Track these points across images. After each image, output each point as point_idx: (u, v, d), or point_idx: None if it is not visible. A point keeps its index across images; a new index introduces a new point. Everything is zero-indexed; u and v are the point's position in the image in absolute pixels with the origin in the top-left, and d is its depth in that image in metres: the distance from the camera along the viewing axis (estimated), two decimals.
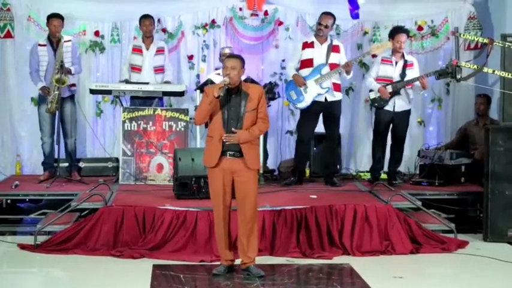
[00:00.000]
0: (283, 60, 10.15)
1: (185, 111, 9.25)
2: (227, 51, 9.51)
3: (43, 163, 9.39)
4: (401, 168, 9.68)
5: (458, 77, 7.45)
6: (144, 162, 9.11)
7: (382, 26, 10.33)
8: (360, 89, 10.33)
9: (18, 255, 7.06)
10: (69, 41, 9.19)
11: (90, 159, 10.02)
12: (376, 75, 9.09)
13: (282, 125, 10.26)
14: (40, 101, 9.24)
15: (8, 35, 9.98)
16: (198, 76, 10.33)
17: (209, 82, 9.08)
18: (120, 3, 10.17)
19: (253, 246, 6.31)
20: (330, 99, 8.92)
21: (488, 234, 7.77)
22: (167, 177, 9.01)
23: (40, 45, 9.17)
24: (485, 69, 7.50)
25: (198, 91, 9.47)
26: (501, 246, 7.58)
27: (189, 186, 7.92)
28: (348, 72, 8.91)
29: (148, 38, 9.63)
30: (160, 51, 9.67)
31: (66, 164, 9.40)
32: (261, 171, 9.17)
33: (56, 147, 9.19)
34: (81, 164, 9.79)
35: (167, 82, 9.60)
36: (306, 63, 8.94)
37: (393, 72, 9.01)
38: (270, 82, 9.72)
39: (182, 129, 9.19)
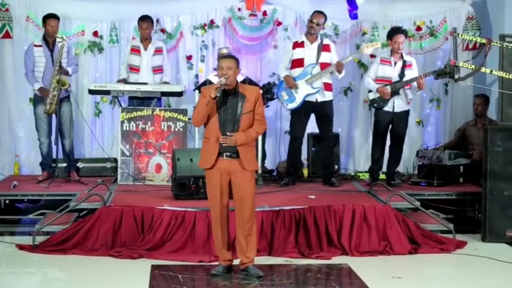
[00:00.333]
0: None
1: (184, 112, 9.25)
2: (225, 51, 9.51)
3: (41, 163, 9.39)
4: (400, 168, 9.68)
5: (456, 77, 7.46)
6: (142, 163, 9.10)
7: (380, 27, 10.33)
8: (359, 90, 10.33)
9: (16, 255, 7.05)
10: (64, 41, 9.16)
11: (88, 160, 10.02)
12: (375, 76, 9.09)
13: (280, 126, 10.26)
14: (36, 101, 9.23)
15: (7, 36, 9.98)
16: (196, 76, 10.33)
17: (208, 82, 9.07)
18: (119, 4, 10.17)
19: (252, 247, 6.31)
20: (320, 99, 8.93)
21: (486, 234, 7.77)
22: (166, 177, 9.01)
23: (36, 45, 9.16)
24: (483, 69, 7.51)
25: (196, 91, 9.47)
26: (499, 247, 7.58)
27: (188, 186, 7.93)
28: (339, 72, 8.90)
29: (146, 39, 9.63)
30: (158, 51, 9.66)
31: (65, 164, 9.40)
32: (260, 172, 9.18)
33: (54, 147, 9.21)
34: (80, 165, 9.79)
35: (166, 82, 9.60)
36: (297, 63, 8.95)
37: (392, 72, 9.01)
38: (269, 82, 9.73)
39: (181, 129, 9.19)
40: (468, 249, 7.41)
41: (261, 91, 8.89)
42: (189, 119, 9.22)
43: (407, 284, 6.36)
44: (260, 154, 9.29)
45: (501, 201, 7.74)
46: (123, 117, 9.14)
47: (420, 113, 10.51)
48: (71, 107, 9.36)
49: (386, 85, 8.97)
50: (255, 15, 10.31)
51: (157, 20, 10.21)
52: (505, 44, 7.65)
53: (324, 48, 8.98)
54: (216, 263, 6.53)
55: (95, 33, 10.21)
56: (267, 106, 9.50)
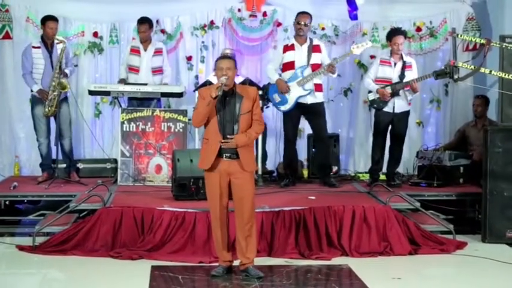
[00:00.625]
0: None
1: (184, 112, 9.26)
2: (228, 52, 9.51)
3: (41, 164, 9.39)
4: (400, 169, 9.68)
5: (455, 77, 7.46)
6: (142, 163, 9.11)
7: (380, 27, 10.33)
8: (359, 90, 10.33)
9: (16, 256, 7.05)
10: (62, 42, 9.14)
11: (88, 160, 10.02)
12: (375, 77, 9.09)
13: (280, 126, 10.24)
14: (34, 102, 9.22)
15: (7, 36, 9.98)
16: (196, 77, 10.34)
17: (208, 83, 9.08)
18: (119, 5, 10.17)
19: (252, 247, 6.31)
20: (311, 101, 8.92)
21: (486, 235, 7.76)
22: (166, 178, 9.01)
23: (34, 47, 9.15)
24: (482, 70, 7.50)
25: (196, 92, 9.46)
26: (499, 247, 7.57)
27: (188, 187, 7.93)
28: (332, 73, 8.89)
29: (145, 41, 9.63)
30: (158, 52, 9.66)
31: (64, 165, 9.40)
32: (260, 173, 9.18)
33: (53, 148, 9.22)
34: (80, 165, 9.80)
35: (165, 83, 9.60)
36: (288, 66, 8.93)
37: (392, 73, 9.01)
38: (268, 83, 9.71)
39: (181, 130, 9.19)
40: (468, 250, 7.41)
41: (260, 92, 8.95)
42: (189, 119, 9.22)
43: (407, 284, 6.36)
44: (260, 155, 9.29)
45: (501, 202, 7.74)
46: (123, 118, 9.15)
47: (420, 114, 10.52)
48: (69, 107, 9.37)
49: (386, 86, 8.97)
50: (255, 16, 10.31)
51: (157, 21, 10.22)
52: (504, 44, 7.65)
53: (314, 49, 8.96)
54: (216, 264, 6.53)
55: (95, 34, 10.22)
56: (267, 107, 9.50)
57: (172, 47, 10.27)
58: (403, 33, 9.16)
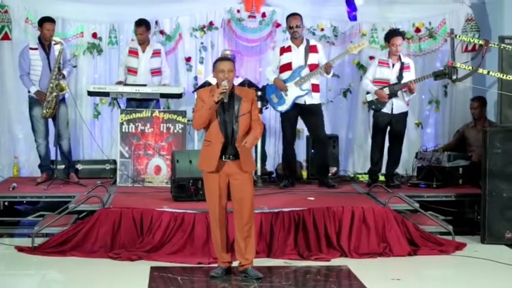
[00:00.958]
0: None
1: (183, 114, 9.25)
2: (228, 53, 9.52)
3: (40, 165, 9.39)
4: (399, 170, 9.67)
5: (454, 77, 7.46)
6: (141, 164, 9.10)
7: (379, 28, 10.34)
8: (358, 91, 10.34)
9: (15, 257, 7.05)
10: (60, 43, 9.13)
11: (87, 161, 10.02)
12: (373, 78, 9.10)
13: (280, 127, 10.24)
14: (32, 103, 9.21)
15: (6, 37, 9.99)
16: (195, 78, 10.34)
17: (207, 84, 9.08)
18: (118, 5, 10.17)
19: (251, 248, 6.31)
20: (308, 101, 8.92)
21: (485, 236, 7.76)
22: (165, 179, 9.01)
23: (31, 48, 9.14)
24: (480, 70, 7.51)
25: (195, 93, 9.46)
26: (499, 248, 7.57)
27: (187, 188, 7.92)
28: (327, 73, 8.90)
29: (143, 42, 9.63)
30: (156, 53, 9.66)
31: (63, 166, 9.40)
32: (259, 173, 9.18)
33: (52, 149, 9.21)
34: (79, 166, 9.80)
35: (164, 85, 9.59)
36: (285, 67, 8.93)
37: (390, 74, 9.02)
38: (267, 84, 9.70)
39: (180, 131, 9.19)
40: (467, 251, 7.40)
41: (259, 93, 8.96)
42: (188, 120, 9.22)
43: (406, 285, 6.36)
44: (259, 156, 9.28)
45: (500, 202, 7.74)
46: (122, 119, 9.14)
47: (419, 115, 10.52)
48: (67, 108, 9.37)
49: (384, 87, 8.98)
50: (254, 17, 10.32)
51: (156, 22, 10.23)
52: (503, 45, 7.65)
53: (311, 49, 8.96)
54: (215, 265, 6.53)
55: (94, 35, 10.22)
56: (266, 108, 9.50)
57: (171, 48, 10.28)
58: (402, 34, 9.16)
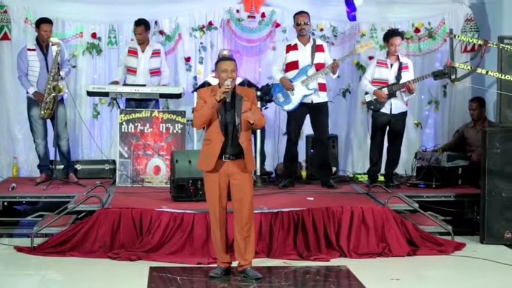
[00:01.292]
0: None
1: (182, 114, 9.25)
2: (226, 53, 9.52)
3: (39, 166, 9.40)
4: (399, 170, 9.67)
5: (452, 77, 7.47)
6: (141, 165, 9.10)
7: (379, 28, 10.33)
8: (357, 91, 10.33)
9: (15, 257, 7.05)
10: (58, 44, 9.13)
11: (87, 161, 10.02)
12: (372, 78, 9.10)
13: (279, 127, 10.25)
14: (30, 104, 9.22)
15: (5, 37, 9.98)
16: (195, 78, 10.34)
17: (206, 84, 9.08)
18: (117, 6, 10.17)
19: (250, 249, 6.32)
20: (315, 100, 8.93)
21: (485, 236, 7.76)
22: (164, 179, 9.00)
23: (29, 49, 9.14)
24: (479, 70, 7.52)
25: (195, 93, 9.46)
26: (498, 248, 7.57)
27: (186, 188, 7.92)
28: (334, 72, 8.90)
29: (142, 42, 9.63)
30: (156, 53, 9.66)
31: (62, 166, 9.40)
32: (258, 174, 9.18)
33: (51, 149, 9.21)
34: (78, 166, 9.79)
35: (164, 84, 9.59)
36: (291, 65, 8.94)
37: (388, 74, 9.02)
38: (267, 84, 9.71)
39: (179, 131, 9.19)
40: (467, 251, 7.41)
41: (258, 93, 8.96)
42: (188, 120, 9.23)
43: (405, 285, 6.36)
44: (259, 156, 9.28)
45: (500, 203, 7.74)
46: (121, 119, 9.14)
47: (419, 115, 10.52)
48: (65, 108, 9.39)
49: (383, 87, 8.98)
50: (254, 17, 10.32)
51: (156, 22, 10.22)
52: (502, 45, 7.66)
53: (317, 48, 8.97)
54: (215, 265, 6.53)
55: (93, 35, 10.21)
56: (266, 108, 9.50)
57: (170, 48, 10.27)
58: (401, 35, 9.15)
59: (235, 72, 6.20)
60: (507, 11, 9.69)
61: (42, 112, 9.02)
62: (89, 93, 9.52)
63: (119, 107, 9.50)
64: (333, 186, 9.01)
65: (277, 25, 10.36)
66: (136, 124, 9.13)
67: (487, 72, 7.58)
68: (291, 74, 8.94)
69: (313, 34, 10.05)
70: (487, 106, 9.68)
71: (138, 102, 9.53)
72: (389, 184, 9.06)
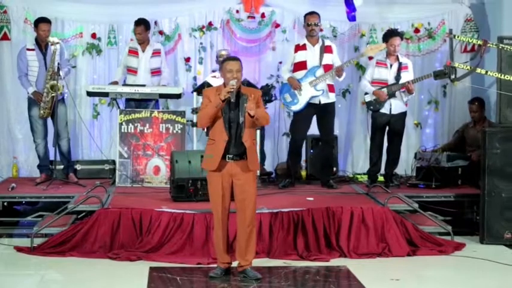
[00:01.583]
0: (280, 63, 10.13)
1: (182, 114, 9.25)
2: (224, 53, 9.53)
3: (39, 166, 9.40)
4: (398, 170, 9.68)
5: (452, 77, 7.49)
6: (140, 165, 9.10)
7: (378, 28, 10.33)
8: (357, 91, 10.33)
9: (14, 257, 7.05)
10: (57, 43, 9.14)
11: (86, 162, 10.02)
12: (371, 78, 9.11)
13: (278, 127, 10.26)
14: (30, 104, 9.23)
15: (5, 38, 9.99)
16: (195, 78, 10.34)
17: (206, 84, 9.09)
18: (117, 6, 10.18)
19: (252, 249, 6.32)
20: (324, 101, 8.93)
21: (485, 236, 7.76)
22: (164, 179, 9.00)
23: (28, 49, 9.15)
24: (478, 70, 7.52)
25: (195, 93, 9.47)
26: (498, 249, 7.57)
27: (186, 188, 7.93)
28: (339, 76, 8.90)
29: (142, 42, 9.63)
30: (156, 53, 9.67)
31: (62, 166, 9.40)
32: (258, 173, 9.17)
33: (51, 149, 9.21)
34: (78, 166, 9.79)
35: (163, 85, 9.60)
36: (300, 65, 8.94)
37: (388, 74, 9.02)
38: (267, 84, 9.73)
39: (179, 131, 9.19)
40: (466, 251, 7.41)
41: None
42: (188, 121, 9.23)
43: (405, 286, 6.36)
44: (259, 156, 9.27)
45: (499, 203, 7.74)
46: (121, 119, 9.14)
47: (418, 115, 10.52)
48: (66, 108, 9.38)
49: (383, 88, 8.98)
50: (253, 17, 10.32)
51: (156, 22, 10.23)
52: (501, 45, 7.66)
53: (326, 49, 8.98)
54: (214, 265, 6.53)
55: (93, 35, 10.22)
56: (265, 108, 9.48)
57: (170, 48, 10.28)
58: (400, 35, 9.15)
59: (240, 72, 6.19)
60: (507, 11, 9.70)
61: (42, 111, 9.02)
62: (89, 94, 9.52)
63: (119, 107, 9.50)
64: (333, 186, 9.02)
65: (277, 25, 10.36)
66: (136, 124, 9.13)
67: (487, 72, 7.59)
68: (299, 74, 8.94)
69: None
70: (487, 106, 9.67)
71: (137, 103, 9.53)
72: (389, 184, 9.07)
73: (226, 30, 10.34)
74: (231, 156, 6.17)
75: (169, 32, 10.31)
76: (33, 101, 9.14)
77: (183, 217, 7.21)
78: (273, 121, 10.20)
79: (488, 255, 7.16)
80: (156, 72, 9.65)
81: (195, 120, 9.20)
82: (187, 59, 10.35)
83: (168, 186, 8.41)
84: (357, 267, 6.74)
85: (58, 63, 8.96)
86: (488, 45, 7.71)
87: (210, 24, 10.32)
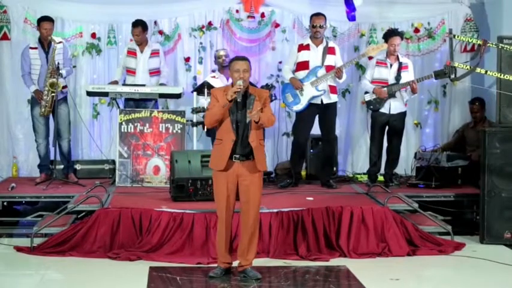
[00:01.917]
0: (280, 62, 10.15)
1: (182, 114, 9.25)
2: (222, 53, 9.54)
3: (39, 165, 9.40)
4: (398, 170, 9.69)
5: (452, 77, 7.49)
6: (140, 164, 9.10)
7: (378, 28, 10.34)
8: (357, 91, 10.34)
9: (14, 257, 7.05)
10: (60, 42, 9.17)
11: (86, 161, 10.02)
12: (371, 78, 9.11)
13: (278, 127, 10.26)
14: (33, 103, 9.25)
15: (5, 37, 9.98)
16: (194, 78, 10.34)
17: (206, 84, 9.09)
18: (117, 6, 10.17)
19: (253, 249, 6.33)
20: (325, 101, 8.94)
21: (484, 236, 7.76)
22: (164, 179, 9.00)
23: (31, 48, 9.17)
24: (478, 70, 7.53)
25: (195, 93, 9.47)
26: (498, 248, 7.57)
27: (186, 188, 7.92)
28: (339, 78, 8.90)
29: (140, 43, 9.62)
30: (155, 53, 9.66)
31: (62, 166, 9.40)
32: None
33: (51, 149, 9.21)
34: (78, 166, 9.80)
35: (162, 83, 9.60)
36: (302, 65, 8.95)
37: (388, 74, 9.03)
38: (267, 84, 9.73)
39: (179, 131, 9.18)
40: (466, 251, 7.41)
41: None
42: (187, 120, 9.23)
43: (405, 285, 6.36)
44: None
45: (499, 203, 7.74)
46: (121, 119, 9.14)
47: (418, 115, 10.52)
48: (68, 108, 9.38)
49: (383, 87, 8.99)
50: (253, 17, 10.32)
51: (155, 22, 10.23)
52: (501, 45, 7.66)
53: (329, 51, 8.98)
54: (214, 265, 6.53)
55: (93, 35, 10.22)
56: None
57: (170, 48, 10.28)
58: (400, 34, 9.15)
59: (247, 73, 6.16)
60: (506, 11, 9.70)
61: (42, 109, 9.03)
62: (89, 93, 9.51)
63: (119, 107, 9.50)
64: (333, 186, 9.02)
65: (277, 25, 10.36)
66: (136, 124, 9.13)
67: (486, 72, 7.60)
68: (301, 74, 8.94)
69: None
70: (487, 106, 9.67)
71: (136, 102, 9.53)
72: (388, 184, 9.07)
73: (226, 30, 10.35)
74: (237, 156, 6.16)
75: (169, 31, 10.31)
76: (35, 100, 9.16)
77: (182, 217, 7.21)
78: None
79: (488, 255, 7.16)
80: (154, 72, 9.64)
81: (195, 120, 9.21)
82: (187, 59, 10.35)
83: (168, 186, 8.41)
84: (357, 267, 6.74)
85: (58, 63, 8.96)
86: (488, 45, 7.72)
87: (210, 24, 10.32)
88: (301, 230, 7.27)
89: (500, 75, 7.56)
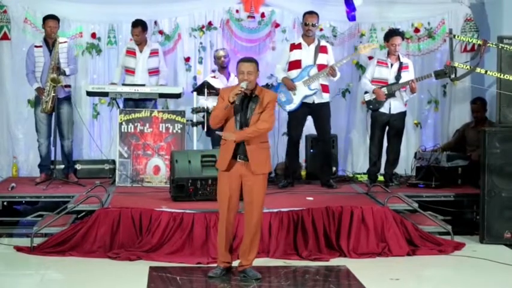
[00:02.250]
0: None
1: (182, 114, 9.25)
2: (221, 53, 9.54)
3: (39, 165, 9.41)
4: (398, 170, 9.68)
5: (452, 76, 7.49)
6: (140, 164, 9.10)
7: (378, 28, 10.33)
8: (357, 91, 10.33)
9: (14, 257, 7.05)
10: (65, 42, 9.21)
11: (86, 161, 10.02)
12: (372, 77, 9.12)
13: (278, 127, 10.24)
14: (36, 103, 9.27)
15: (5, 37, 9.98)
16: (194, 78, 10.33)
17: (205, 84, 9.09)
18: (117, 5, 10.16)
19: (254, 250, 6.34)
20: (317, 101, 8.95)
21: (484, 236, 7.76)
22: (164, 179, 9.00)
23: (36, 46, 9.21)
24: (477, 70, 7.53)
25: (195, 93, 9.46)
26: (498, 248, 7.57)
27: (186, 188, 7.92)
28: (333, 76, 8.90)
29: (140, 43, 9.62)
30: (154, 53, 9.66)
31: (62, 166, 9.40)
32: None
33: (52, 149, 9.21)
34: (78, 166, 9.80)
35: (162, 84, 9.60)
36: (294, 64, 8.95)
37: (388, 74, 9.03)
38: (267, 84, 9.72)
39: (179, 131, 9.19)
40: (466, 251, 7.41)
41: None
42: (187, 120, 9.23)
43: (405, 285, 6.36)
44: None
45: (499, 202, 7.74)
46: (121, 119, 9.14)
47: (418, 115, 10.52)
48: (71, 108, 9.39)
49: (383, 87, 8.99)
50: (253, 17, 10.31)
51: (155, 22, 10.23)
52: (501, 45, 7.67)
53: (321, 49, 8.99)
54: (214, 265, 6.53)
55: (93, 35, 10.22)
56: None
57: (170, 48, 10.27)
58: (401, 34, 9.17)
59: (253, 75, 6.11)
60: (507, 11, 9.70)
61: (43, 106, 9.04)
62: (89, 93, 9.51)
63: (119, 107, 9.50)
64: (333, 186, 9.02)
65: (277, 25, 10.35)
66: (136, 124, 9.13)
67: (486, 71, 7.60)
68: (293, 73, 8.95)
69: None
70: (488, 106, 9.67)
71: (136, 102, 9.53)
72: (388, 184, 9.07)
73: (226, 30, 10.34)
74: (241, 156, 6.17)
75: (169, 31, 10.31)
76: (38, 100, 9.17)
77: (182, 217, 7.21)
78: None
79: (488, 255, 7.16)
80: (153, 72, 9.64)
81: (195, 120, 9.21)
82: (187, 59, 10.35)
83: (168, 185, 8.41)
84: (357, 267, 6.74)
85: (58, 61, 8.96)
86: (488, 45, 7.73)
87: (210, 24, 10.32)
88: (301, 230, 7.27)
89: (500, 75, 7.56)
